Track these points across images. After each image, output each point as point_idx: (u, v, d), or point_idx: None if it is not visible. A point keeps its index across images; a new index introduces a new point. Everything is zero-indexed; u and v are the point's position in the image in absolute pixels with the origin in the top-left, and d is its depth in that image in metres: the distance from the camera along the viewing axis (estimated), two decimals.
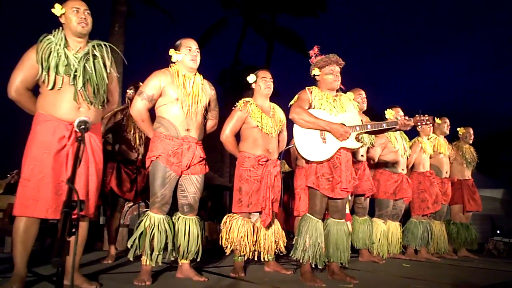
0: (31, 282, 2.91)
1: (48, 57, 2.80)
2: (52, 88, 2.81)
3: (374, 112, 6.20)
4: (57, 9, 2.93)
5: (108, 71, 3.03)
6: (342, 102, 3.69)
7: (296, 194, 3.64)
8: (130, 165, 4.55)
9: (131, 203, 5.47)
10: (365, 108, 5.02)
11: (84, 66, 2.88)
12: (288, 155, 5.55)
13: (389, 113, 5.36)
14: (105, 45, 3.08)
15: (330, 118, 3.54)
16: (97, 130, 3.04)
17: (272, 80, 4.09)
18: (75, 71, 2.84)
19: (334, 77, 3.66)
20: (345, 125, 3.51)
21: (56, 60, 2.80)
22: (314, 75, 3.74)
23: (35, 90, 2.91)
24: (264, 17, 20.28)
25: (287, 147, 4.15)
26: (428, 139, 5.96)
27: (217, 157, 16.70)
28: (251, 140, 3.93)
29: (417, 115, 3.76)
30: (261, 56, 20.31)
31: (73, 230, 1.31)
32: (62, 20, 2.95)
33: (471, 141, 6.65)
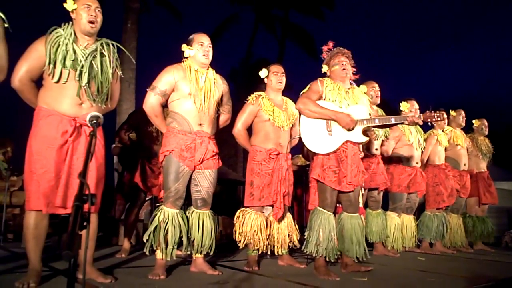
0: (47, 276, 2.94)
1: (56, 50, 2.80)
2: (58, 82, 2.81)
3: (389, 105, 6.14)
4: (69, 4, 2.93)
5: (113, 71, 3.02)
6: (354, 94, 3.67)
7: (310, 187, 3.62)
8: (154, 160, 4.57)
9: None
10: (379, 102, 4.97)
11: (91, 63, 2.89)
12: (303, 147, 5.51)
13: (404, 106, 5.31)
14: (113, 44, 3.08)
15: (338, 109, 3.52)
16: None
17: (284, 74, 4.08)
18: (81, 67, 2.84)
19: (341, 66, 3.64)
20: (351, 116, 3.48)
21: (63, 53, 2.81)
22: (325, 72, 3.76)
23: (37, 83, 2.90)
24: (276, 13, 20.21)
25: (293, 138, 4.12)
26: (443, 131, 5.89)
27: (231, 152, 16.72)
28: (262, 133, 3.93)
29: (427, 112, 3.69)
30: (274, 51, 20.22)
31: (85, 223, 1.32)
32: (73, 15, 2.95)
33: (486, 133, 6.57)
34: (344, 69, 3.65)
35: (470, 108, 6.74)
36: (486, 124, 6.58)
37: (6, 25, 2.66)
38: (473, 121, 6.64)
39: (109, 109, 3.21)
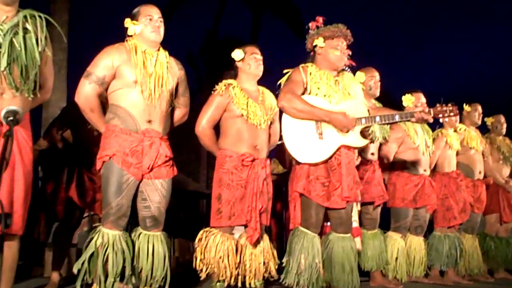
0: None
1: None
2: None
3: (389, 97, 6.19)
4: None
5: (41, 49, 2.96)
6: (345, 83, 3.69)
7: (290, 202, 3.64)
8: (94, 168, 4.51)
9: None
10: (378, 94, 5.00)
11: (11, 41, 2.82)
12: (281, 153, 5.52)
13: (408, 100, 5.30)
14: (39, 16, 3.01)
15: (329, 107, 3.53)
16: (25, 123, 2.95)
17: (261, 58, 4.08)
18: None
19: (341, 54, 3.66)
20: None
21: None
22: (316, 45, 3.73)
23: None
24: None
25: (278, 143, 4.15)
26: (454, 131, 5.94)
27: (191, 156, 16.65)
28: (233, 133, 3.92)
29: (438, 105, 3.74)
30: (246, 28, 20.11)
31: None
32: None
33: (503, 131, 6.63)
34: (342, 59, 3.68)
35: (489, 101, 6.76)
36: (502, 120, 6.61)
37: None
38: (486, 119, 6.61)
39: (41, 101, 3.22)
